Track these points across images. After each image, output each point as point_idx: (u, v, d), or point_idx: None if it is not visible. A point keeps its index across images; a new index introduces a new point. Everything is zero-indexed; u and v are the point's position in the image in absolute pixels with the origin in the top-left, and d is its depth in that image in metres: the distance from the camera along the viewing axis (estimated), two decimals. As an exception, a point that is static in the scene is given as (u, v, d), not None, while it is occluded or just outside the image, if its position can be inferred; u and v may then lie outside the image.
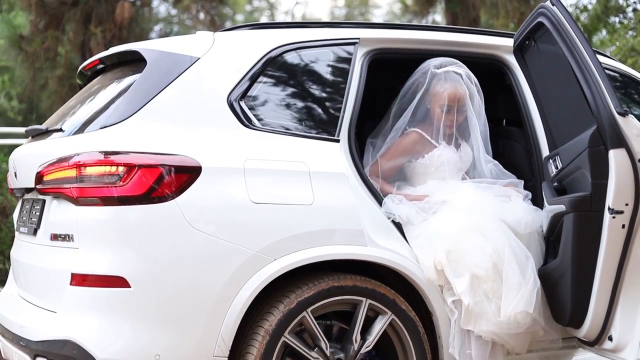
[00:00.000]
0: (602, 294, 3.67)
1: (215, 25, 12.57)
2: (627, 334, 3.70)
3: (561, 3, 3.76)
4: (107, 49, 4.70)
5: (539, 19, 3.84)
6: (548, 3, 3.80)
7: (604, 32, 19.92)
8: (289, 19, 39.56)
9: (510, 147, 4.56)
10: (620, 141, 3.44)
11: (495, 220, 3.94)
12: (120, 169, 3.51)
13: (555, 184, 3.91)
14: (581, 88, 3.57)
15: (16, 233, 4.45)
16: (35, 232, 3.96)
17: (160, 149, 3.58)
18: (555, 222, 3.83)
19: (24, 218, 4.21)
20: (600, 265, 3.62)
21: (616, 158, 3.46)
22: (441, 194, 4.10)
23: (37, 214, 3.97)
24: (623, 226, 3.53)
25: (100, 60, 4.35)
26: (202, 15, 12.53)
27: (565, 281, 3.79)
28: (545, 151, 4.26)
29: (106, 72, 4.37)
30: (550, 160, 4.03)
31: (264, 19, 39.12)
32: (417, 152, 4.35)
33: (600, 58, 4.67)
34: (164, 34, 11.76)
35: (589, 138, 3.54)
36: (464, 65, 4.34)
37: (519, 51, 4.18)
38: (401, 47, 4.35)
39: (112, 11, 10.79)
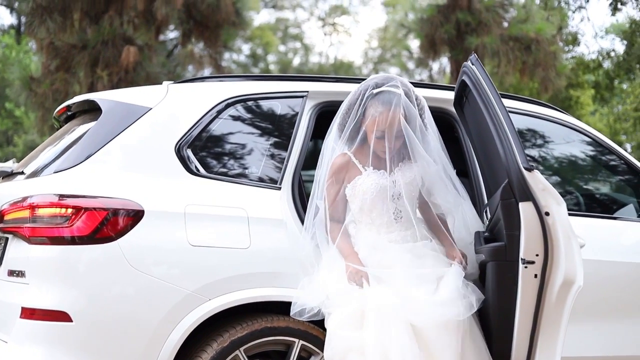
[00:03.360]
0: (521, 341, 3.82)
1: (219, 68, 12.95)
2: (546, 380, 3.85)
3: (479, 62, 3.97)
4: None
5: (463, 77, 4.06)
6: (469, 62, 4.02)
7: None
8: (323, 60, 40.02)
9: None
10: (527, 195, 3.63)
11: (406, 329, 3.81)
12: (69, 210, 3.78)
13: (487, 234, 4.08)
14: (495, 143, 3.77)
15: (-12, 269, 4.71)
16: (-3, 268, 4.22)
17: (106, 193, 3.84)
18: (482, 270, 4.01)
19: (-7, 255, 4.48)
20: (517, 313, 3.77)
21: (525, 211, 3.64)
22: (373, 264, 3.97)
23: (1, 250, 4.23)
24: (535, 276, 3.69)
25: (67, 108, 4.64)
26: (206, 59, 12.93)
27: (489, 327, 3.95)
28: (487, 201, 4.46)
29: (73, 119, 4.65)
30: (484, 211, 4.22)
31: (297, 60, 39.55)
32: (346, 179, 4.13)
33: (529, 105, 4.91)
34: (170, 78, 12.15)
35: (501, 191, 3.74)
36: (406, 82, 4.15)
37: (458, 106, 4.38)
38: (350, 100, 4.56)
39: (119, 55, 11.19)
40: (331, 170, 4.13)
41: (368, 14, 47.45)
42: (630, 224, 4.98)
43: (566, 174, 5.32)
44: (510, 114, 4.62)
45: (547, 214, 3.63)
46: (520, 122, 4.89)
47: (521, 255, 3.67)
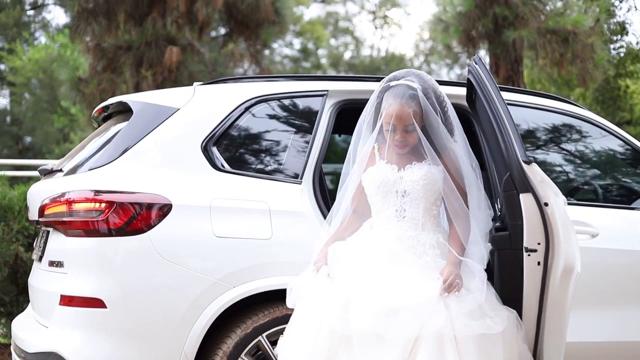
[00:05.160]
0: (528, 327, 4.00)
1: (261, 67, 13.25)
2: (554, 364, 4.02)
3: (482, 61, 4.15)
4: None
5: (468, 76, 4.24)
6: (473, 62, 4.20)
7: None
8: (374, 54, 40.03)
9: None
10: (527, 187, 3.81)
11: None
12: (102, 205, 4.07)
13: (498, 224, 4.25)
14: (497, 138, 3.96)
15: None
16: (40, 259, 4.55)
17: (137, 189, 4.13)
18: (491, 259, 4.20)
19: (37, 247, 4.82)
20: (524, 300, 3.95)
21: (525, 202, 3.81)
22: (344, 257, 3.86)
23: (43, 242, 4.55)
24: (539, 263, 3.86)
25: (104, 109, 4.94)
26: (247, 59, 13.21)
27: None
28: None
29: (109, 119, 4.96)
30: (496, 202, 4.41)
31: (348, 54, 39.59)
32: (364, 169, 4.02)
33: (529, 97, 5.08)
34: (213, 76, 12.48)
35: (503, 183, 3.92)
36: (425, 77, 3.99)
37: (470, 102, 4.56)
38: (368, 98, 4.76)
39: (162, 55, 11.54)
40: (359, 161, 4.03)
41: (419, 5, 47.37)
42: None
43: (583, 166, 5.46)
44: (522, 107, 4.84)
45: (546, 204, 3.79)
46: (528, 116, 5.07)
47: (524, 244, 3.85)
